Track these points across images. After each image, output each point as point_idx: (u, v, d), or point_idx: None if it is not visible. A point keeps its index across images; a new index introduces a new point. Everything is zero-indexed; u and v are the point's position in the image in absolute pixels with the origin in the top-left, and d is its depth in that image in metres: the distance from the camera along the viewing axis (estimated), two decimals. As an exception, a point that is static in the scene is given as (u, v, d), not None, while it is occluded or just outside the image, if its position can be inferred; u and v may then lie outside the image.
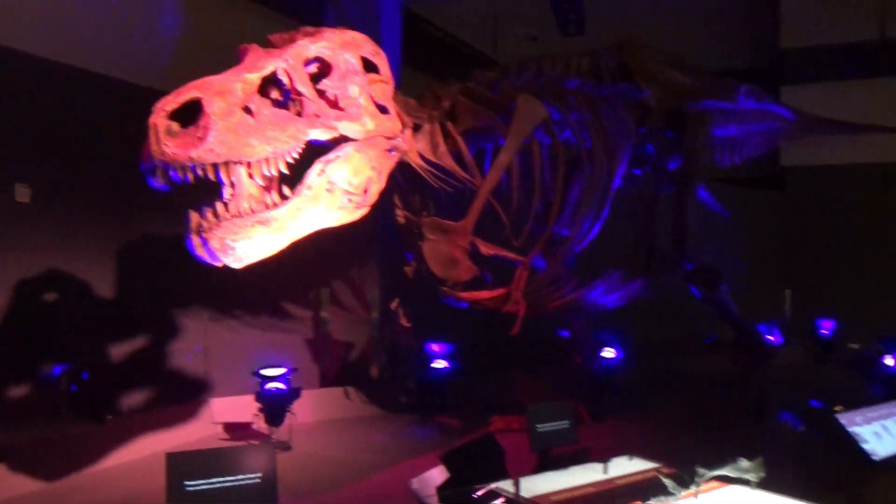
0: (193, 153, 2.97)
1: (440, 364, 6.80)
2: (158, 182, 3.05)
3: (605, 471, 3.80)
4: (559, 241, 5.60)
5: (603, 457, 3.94)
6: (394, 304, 6.21)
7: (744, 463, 3.27)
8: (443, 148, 4.98)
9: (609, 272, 5.91)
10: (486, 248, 5.24)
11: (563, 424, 4.65)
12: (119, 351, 6.13)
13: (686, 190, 6.29)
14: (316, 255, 5.33)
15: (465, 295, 5.39)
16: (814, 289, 11.12)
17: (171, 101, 3.01)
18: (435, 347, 6.90)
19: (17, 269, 5.53)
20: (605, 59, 6.06)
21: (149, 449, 5.46)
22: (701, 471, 3.14)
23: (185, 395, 6.40)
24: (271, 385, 5.76)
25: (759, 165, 9.25)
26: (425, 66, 9.44)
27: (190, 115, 3.03)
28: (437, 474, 3.60)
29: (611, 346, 6.92)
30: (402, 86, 4.81)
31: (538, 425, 4.56)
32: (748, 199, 11.20)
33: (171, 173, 2.99)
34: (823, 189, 11.55)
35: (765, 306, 9.87)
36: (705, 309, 7.08)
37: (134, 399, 6.13)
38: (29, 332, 5.49)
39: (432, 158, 4.95)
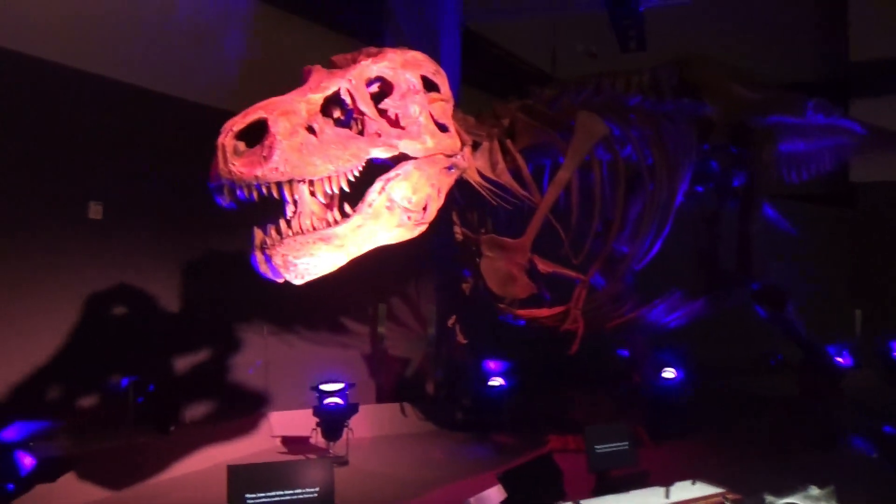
0: (259, 172, 3.05)
1: (496, 382, 6.77)
2: (225, 200, 3.14)
3: (667, 495, 3.72)
4: (619, 259, 5.54)
5: (663, 480, 3.86)
6: (450, 321, 6.22)
7: (814, 491, 3.17)
8: (502, 165, 5.00)
9: (670, 291, 5.81)
10: (544, 266, 5.22)
11: (623, 446, 4.57)
12: (183, 364, 6.30)
13: (751, 207, 6.15)
14: (374, 271, 5.39)
15: (522, 313, 5.38)
16: (886, 309, 10.68)
17: (239, 122, 3.10)
18: (491, 365, 6.87)
19: (89, 284, 5.75)
20: (666, 74, 6.00)
21: (211, 460, 5.58)
22: (769, 498, 3.05)
23: (246, 409, 6.53)
24: (330, 400, 5.83)
25: (827, 181, 8.97)
26: (484, 84, 9.49)
27: (256, 134, 3.11)
28: (495, 494, 3.59)
29: (671, 367, 6.76)
30: (462, 103, 4.86)
31: (597, 446, 4.49)
32: (817, 217, 10.86)
33: (238, 192, 3.08)
34: (895, 205, 11.12)
35: (834, 327, 9.51)
36: (771, 329, 6.89)
37: (197, 411, 6.29)
38: (99, 345, 5.70)
39: (491, 176, 4.97)
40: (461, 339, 6.19)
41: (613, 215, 5.37)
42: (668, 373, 6.68)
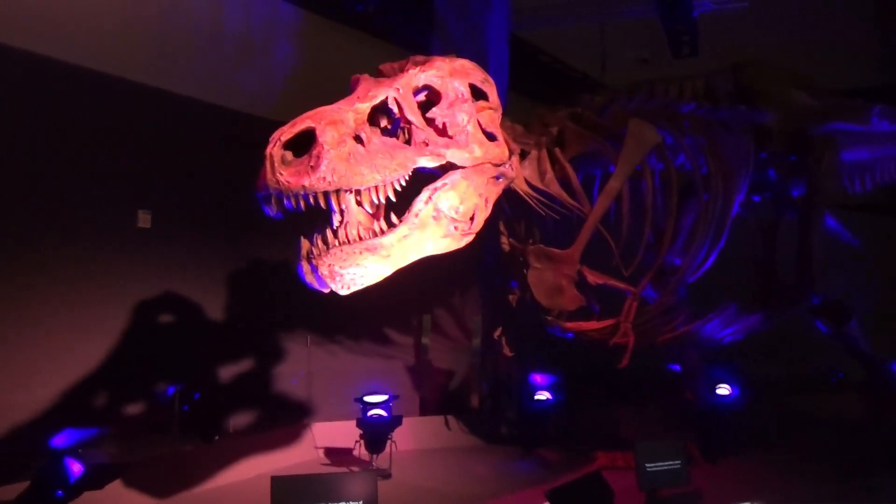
0: (306, 182, 3.08)
1: (543, 396, 6.71)
2: (272, 210, 3.18)
3: (723, 518, 3.63)
4: (671, 271, 5.47)
5: (717, 501, 3.77)
6: (496, 333, 6.20)
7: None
8: (550, 174, 4.97)
9: (725, 304, 5.70)
10: (593, 278, 5.18)
11: (675, 464, 4.49)
12: (227, 373, 6.40)
13: (811, 217, 6.00)
14: (419, 282, 5.41)
15: (570, 325, 5.34)
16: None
17: (287, 132, 3.15)
18: (538, 378, 6.81)
19: (136, 292, 5.90)
20: (721, 80, 5.91)
21: (254, 471, 5.64)
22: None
23: (289, 419, 6.60)
24: (373, 412, 5.85)
25: (893, 191, 8.70)
26: (532, 92, 9.48)
27: (304, 144, 3.15)
28: (543, 512, 3.55)
29: (726, 383, 6.63)
30: (510, 111, 4.84)
31: (647, 464, 4.42)
32: (880, 228, 10.52)
33: (285, 202, 3.12)
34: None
35: (900, 344, 9.21)
36: (832, 345, 6.70)
37: (240, 420, 6.38)
38: (146, 352, 5.83)
39: (539, 185, 4.95)
40: (507, 351, 6.16)
41: (666, 226, 5.29)
42: (722, 389, 6.55)
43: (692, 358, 6.44)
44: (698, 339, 5.74)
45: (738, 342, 6.03)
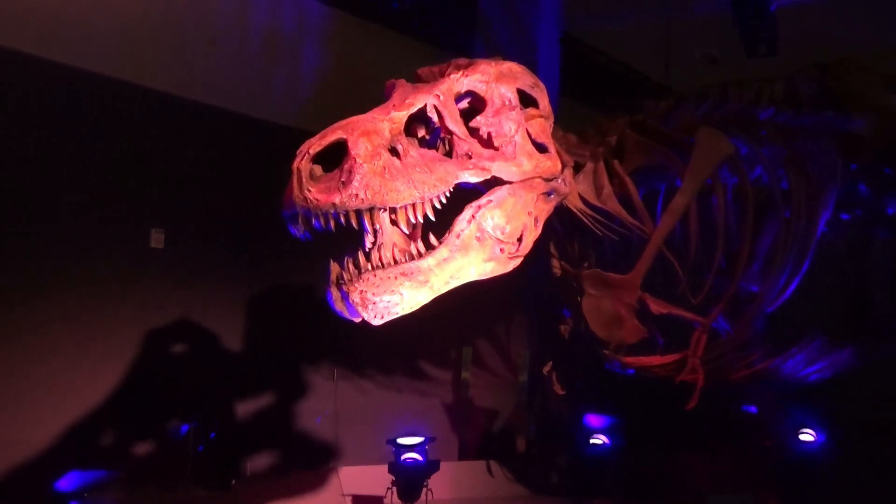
0: (337, 199, 3.10)
1: (599, 439, 6.66)
2: (299, 230, 3.20)
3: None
4: (747, 300, 5.39)
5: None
6: (546, 368, 6.17)
7: None
8: (608, 190, 4.96)
9: (810, 338, 5.59)
10: (657, 307, 5.14)
11: (752, 522, 4.42)
12: (246, 410, 6.46)
13: (910, 238, 5.90)
14: (459, 310, 5.41)
15: (630, 360, 5.30)
16: None
17: (316, 144, 3.17)
18: (594, 420, 6.77)
19: (148, 318, 6.01)
20: (805, 83, 5.84)
21: (275, 520, 5.68)
22: None
23: (313, 462, 6.63)
24: (407, 455, 5.85)
25: None
26: (587, 97, 9.48)
27: (334, 157, 3.18)
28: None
29: (810, 427, 6.52)
30: (562, 119, 4.85)
31: (721, 521, 4.35)
32: None
33: (314, 221, 3.14)
34: None
35: None
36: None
37: (260, 463, 6.42)
38: (158, 386, 5.92)
39: (595, 202, 4.93)
40: (558, 389, 6.12)
41: (740, 248, 5.23)
42: (806, 434, 6.44)
43: (771, 399, 6.36)
44: (778, 377, 5.64)
45: (824, 381, 5.91)
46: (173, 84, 6.29)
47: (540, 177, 3.98)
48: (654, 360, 5.29)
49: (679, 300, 5.14)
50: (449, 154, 3.63)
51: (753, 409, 6.66)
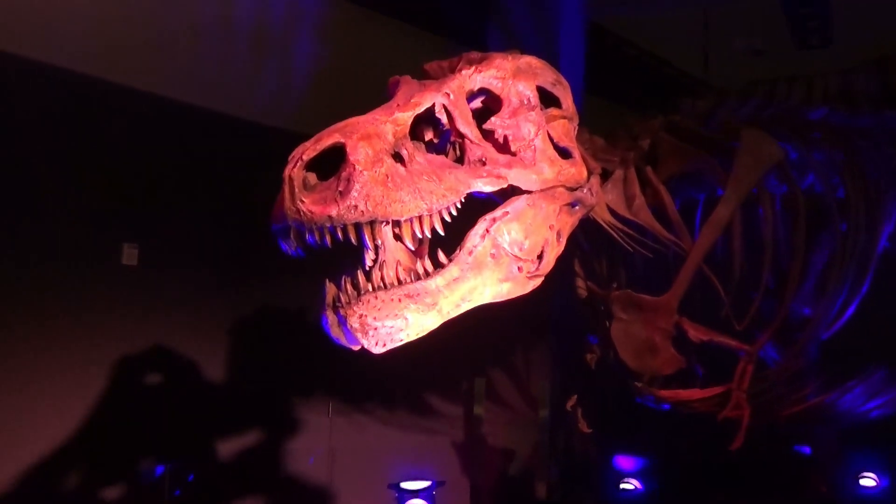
0: (333, 211, 3.10)
1: (630, 484, 6.65)
2: (291, 246, 3.20)
3: None
4: (799, 325, 5.39)
5: None
6: (570, 403, 6.15)
7: None
8: (640, 200, 4.96)
9: (871, 368, 5.57)
10: (696, 333, 5.12)
11: (807, 580, 4.39)
12: (229, 448, 6.47)
13: None
14: (471, 336, 5.41)
15: (666, 394, 5.29)
16: None
17: (310, 148, 3.17)
18: (624, 462, 6.76)
19: (118, 345, 6.03)
20: (862, 78, 5.86)
21: (261, 575, 5.68)
22: None
23: (305, 509, 6.63)
24: (412, 502, 5.85)
25: None
26: (617, 95, 9.51)
27: (331, 164, 3.19)
28: None
29: (871, 471, 6.50)
30: (587, 120, 4.86)
31: (771, 579, 4.33)
32: None
33: (307, 236, 3.14)
34: None
35: None
36: None
37: (245, 510, 6.42)
38: (130, 421, 5.93)
39: (626, 214, 4.93)
40: (584, 426, 6.10)
41: (791, 265, 5.23)
42: (867, 479, 6.43)
43: (827, 438, 6.33)
44: (835, 413, 5.62)
45: (888, 417, 5.88)
46: (148, 80, 6.33)
47: (563, 185, 3.99)
48: (693, 393, 5.28)
49: (721, 325, 5.13)
50: (460, 160, 3.64)
51: (807, 450, 6.65)
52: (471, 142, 3.64)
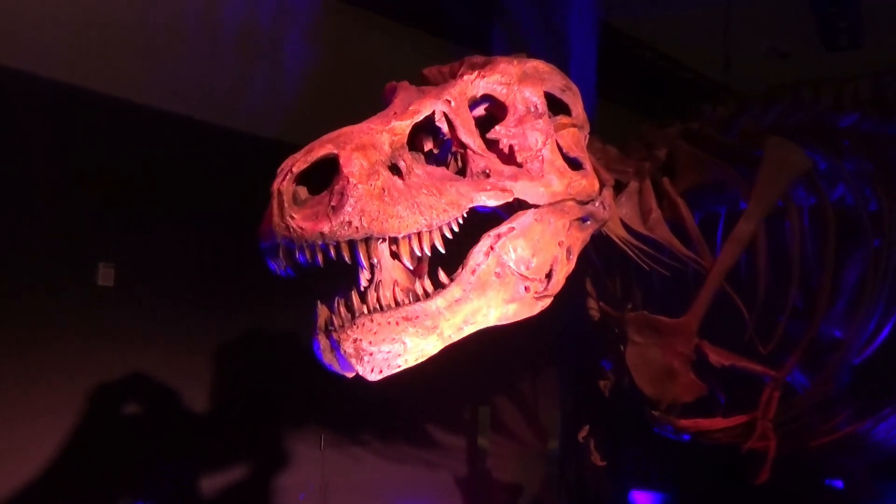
0: (326, 228, 3.10)
1: (649, 522, 6.64)
2: (280, 266, 3.21)
3: None
4: (829, 348, 5.39)
5: None
6: (582, 434, 6.14)
7: None
8: (656, 214, 4.97)
9: (908, 396, 5.59)
10: (718, 357, 5.12)
11: None
12: (213, 484, 6.46)
13: None
14: (474, 361, 5.42)
15: (686, 423, 5.28)
16: None
17: (301, 160, 3.18)
18: (640, 498, 6.75)
19: (93, 372, 6.02)
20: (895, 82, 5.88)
21: None
22: None
23: (295, 549, 6.61)
24: (411, 541, 5.84)
25: None
26: (631, 100, 9.53)
27: (323, 177, 3.20)
28: None
29: (910, 507, 6.50)
30: (599, 128, 4.88)
31: None
32: None
33: (298, 254, 3.15)
34: None
35: None
36: None
37: (228, 553, 6.41)
38: (107, 453, 5.91)
39: (641, 229, 4.94)
40: (597, 459, 6.09)
41: (820, 284, 5.24)
42: (906, 516, 6.43)
43: (861, 471, 6.31)
44: (869, 443, 5.62)
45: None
46: (126, 87, 6.35)
47: (573, 199, 4.00)
48: (716, 422, 5.28)
49: (745, 349, 5.13)
50: (462, 172, 3.65)
51: (839, 483, 6.63)
52: (473, 152, 3.66)
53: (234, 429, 6.58)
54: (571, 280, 4.33)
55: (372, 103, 3.73)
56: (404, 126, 3.47)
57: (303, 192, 3.20)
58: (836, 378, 5.38)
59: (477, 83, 3.76)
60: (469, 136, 3.66)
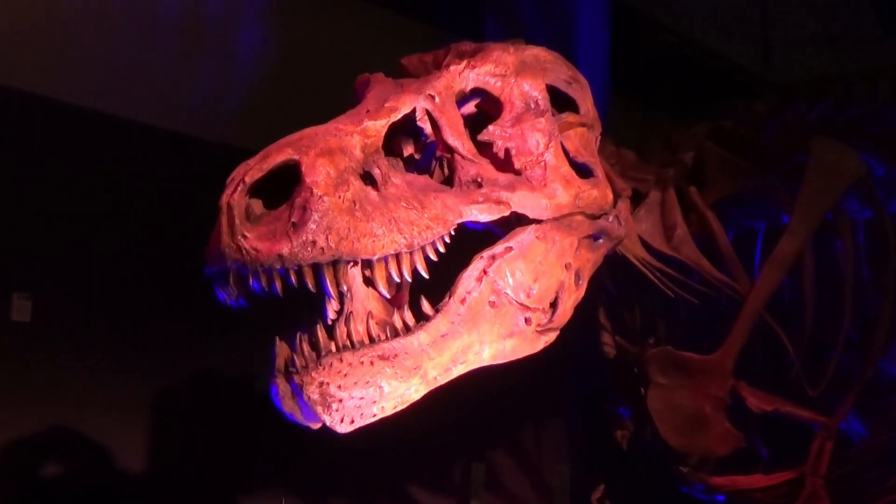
0: (285, 249, 3.08)
1: None
2: (230, 294, 3.19)
3: None
4: (890, 389, 5.41)
5: None
6: (596, 495, 6.14)
7: None
8: (682, 230, 4.99)
9: None
10: (757, 401, 5.13)
11: None
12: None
13: None
14: (466, 409, 5.41)
15: (720, 481, 5.30)
16: None
17: (255, 168, 3.16)
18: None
19: (8, 422, 5.98)
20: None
21: None
22: None
23: None
24: None
25: None
26: (650, 95, 9.57)
27: (282, 188, 3.20)
28: None
29: None
30: (613, 128, 4.91)
31: None
32: None
33: (251, 281, 3.13)
34: None
35: None
36: None
37: None
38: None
39: (664, 248, 4.96)
40: (614, 525, 6.11)
41: (878, 313, 5.26)
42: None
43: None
44: (938, 503, 5.63)
45: None
46: (48, 84, 6.34)
47: (582, 213, 4.01)
48: (756, 480, 5.29)
49: (790, 391, 5.15)
50: (449, 181, 3.66)
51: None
52: (462, 157, 3.66)
53: (174, 493, 6.55)
54: (581, 310, 4.35)
55: (341, 99, 3.74)
56: (379, 126, 3.47)
57: (257, 206, 3.18)
58: (898, 426, 5.41)
59: (466, 75, 3.78)
60: (457, 138, 3.66)
